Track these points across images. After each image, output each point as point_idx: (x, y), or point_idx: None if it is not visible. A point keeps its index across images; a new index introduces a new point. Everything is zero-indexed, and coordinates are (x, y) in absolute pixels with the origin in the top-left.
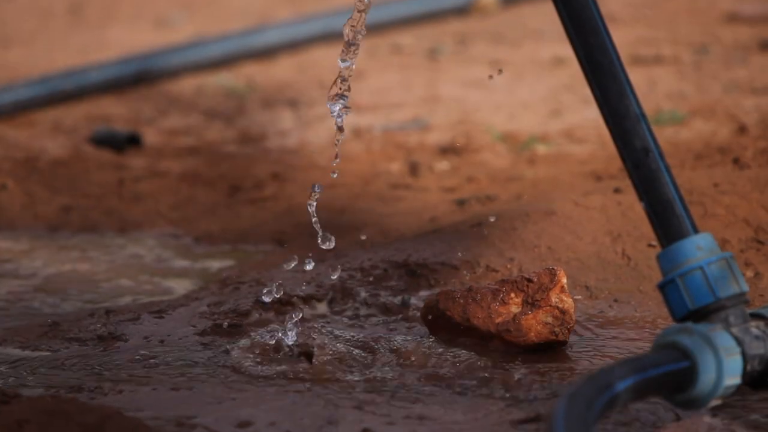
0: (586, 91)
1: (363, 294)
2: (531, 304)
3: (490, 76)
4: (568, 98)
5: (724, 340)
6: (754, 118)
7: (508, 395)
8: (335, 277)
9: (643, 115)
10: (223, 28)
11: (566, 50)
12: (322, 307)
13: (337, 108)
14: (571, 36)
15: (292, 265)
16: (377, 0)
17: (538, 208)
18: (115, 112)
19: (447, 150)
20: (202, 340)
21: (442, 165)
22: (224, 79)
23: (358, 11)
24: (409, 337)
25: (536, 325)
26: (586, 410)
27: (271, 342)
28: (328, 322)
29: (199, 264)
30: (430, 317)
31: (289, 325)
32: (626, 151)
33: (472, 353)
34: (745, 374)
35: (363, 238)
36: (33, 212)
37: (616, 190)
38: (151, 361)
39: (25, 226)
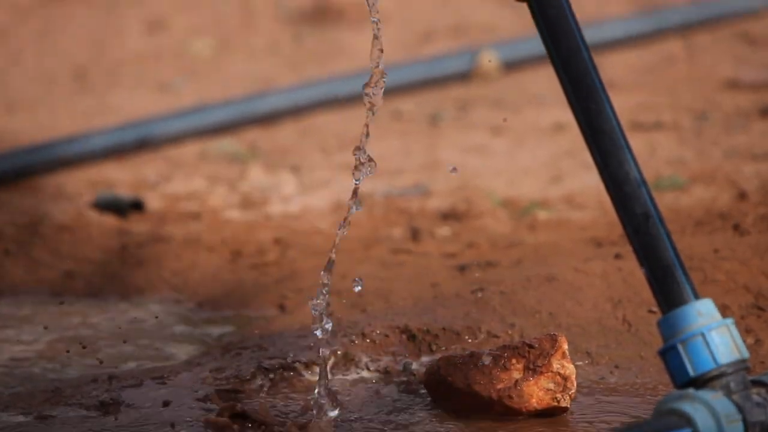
0: (587, 157)
1: (364, 359)
2: (532, 370)
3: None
4: (568, 164)
5: (725, 407)
6: (755, 184)
7: None
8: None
9: (644, 181)
10: (225, 93)
11: (567, 116)
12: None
13: (361, 177)
14: (572, 101)
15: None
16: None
17: (538, 273)
18: (119, 177)
19: (448, 216)
20: (204, 405)
21: (443, 231)
22: (227, 144)
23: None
24: (410, 403)
25: (538, 391)
26: None
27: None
28: (328, 388)
29: (201, 329)
30: (431, 382)
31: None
32: (627, 217)
33: (474, 420)
34: None
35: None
36: (35, 277)
37: (617, 256)
38: (153, 427)
39: (27, 291)
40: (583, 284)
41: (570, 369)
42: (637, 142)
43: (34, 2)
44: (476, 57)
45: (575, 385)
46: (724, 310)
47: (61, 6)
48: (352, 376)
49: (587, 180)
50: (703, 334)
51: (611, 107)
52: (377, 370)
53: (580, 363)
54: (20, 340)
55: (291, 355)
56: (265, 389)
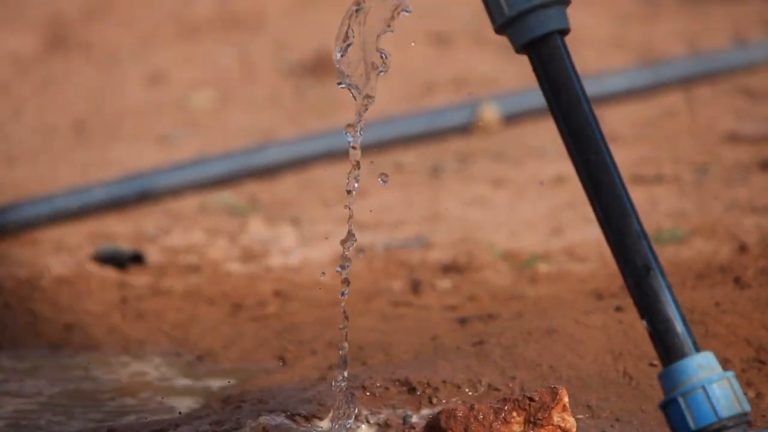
0: (588, 210)
1: (364, 412)
2: (533, 423)
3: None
4: (569, 217)
5: None
6: (755, 237)
7: None
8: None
9: (644, 233)
10: (226, 146)
11: (567, 168)
12: (324, 425)
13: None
14: (573, 154)
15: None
16: (379, 118)
17: (539, 326)
18: (119, 230)
19: (449, 268)
20: None
21: (444, 283)
22: (227, 197)
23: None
24: None
25: None
26: None
27: None
28: None
29: (201, 382)
30: None
31: None
32: (627, 269)
33: None
34: None
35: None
36: (36, 331)
37: (618, 309)
38: None
39: (28, 344)
40: (583, 337)
41: (571, 422)
42: (637, 195)
43: (35, 56)
44: (477, 110)
45: None
46: (725, 364)
47: (62, 60)
48: (352, 429)
49: (588, 232)
50: (704, 387)
51: (612, 159)
52: (377, 423)
53: (581, 416)
54: (22, 393)
55: (291, 408)
56: None
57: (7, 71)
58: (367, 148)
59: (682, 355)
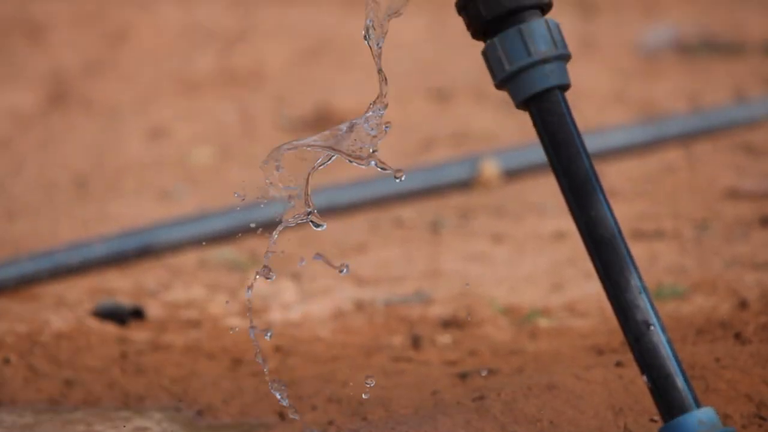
0: (588, 265)
1: None
2: None
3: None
4: (569, 272)
5: None
6: (756, 293)
7: None
8: None
9: (645, 289)
10: (226, 201)
11: (568, 224)
12: None
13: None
14: (573, 209)
15: None
16: (379, 174)
17: (539, 381)
18: (119, 285)
19: (449, 323)
20: None
21: (444, 338)
22: (227, 252)
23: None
24: None
25: None
26: None
27: None
28: None
29: None
30: None
31: None
32: (627, 325)
33: None
34: None
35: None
36: (36, 386)
37: (618, 364)
38: None
39: (27, 400)
40: (584, 392)
41: None
42: (638, 251)
43: (35, 112)
44: (477, 165)
45: None
46: (726, 419)
47: (63, 115)
48: None
49: (588, 288)
50: None
51: (612, 215)
52: None
53: None
54: None
55: None
56: None
57: (8, 127)
58: (367, 204)
59: (682, 410)
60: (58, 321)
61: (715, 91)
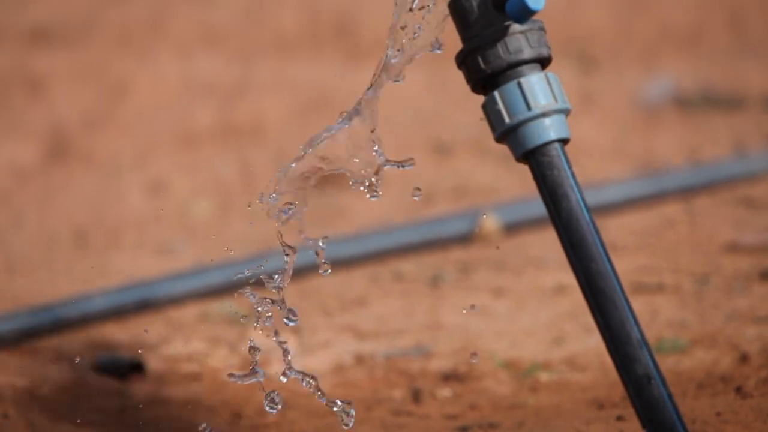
0: (588, 319)
1: None
2: None
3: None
4: (570, 326)
5: None
6: (756, 347)
7: None
8: None
9: (645, 342)
10: (226, 255)
11: (568, 278)
12: None
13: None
14: (573, 262)
15: None
16: (379, 227)
17: None
18: (119, 339)
19: (449, 377)
20: None
21: (445, 392)
22: (227, 305)
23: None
24: None
25: None
26: None
27: None
28: None
29: None
30: None
31: None
32: (628, 378)
33: None
34: None
35: None
36: None
37: (619, 418)
38: None
39: None
40: None
41: None
42: (638, 305)
43: (35, 166)
44: (477, 219)
45: None
46: None
47: (63, 169)
48: None
49: (589, 342)
50: None
51: (613, 268)
52: None
53: None
54: None
55: None
56: None
57: (8, 180)
58: (368, 258)
59: None
60: (58, 375)
61: (715, 145)
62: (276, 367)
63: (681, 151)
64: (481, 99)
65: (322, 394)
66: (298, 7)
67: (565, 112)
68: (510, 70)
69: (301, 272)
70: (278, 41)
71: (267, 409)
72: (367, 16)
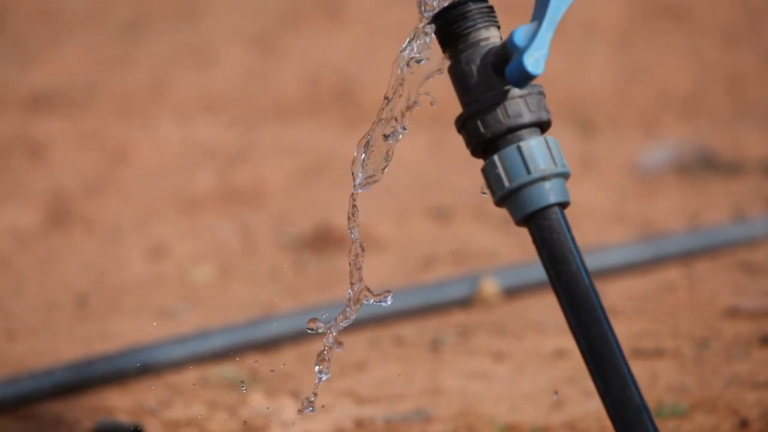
0: (588, 384)
1: None
2: None
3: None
4: (570, 390)
5: None
6: (756, 412)
7: None
8: None
9: (646, 407)
10: (226, 319)
11: (568, 342)
12: None
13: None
14: (573, 326)
15: None
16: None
17: None
18: (119, 403)
19: None
20: None
21: None
22: (227, 370)
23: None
24: None
25: None
26: None
27: None
28: None
29: None
30: None
31: None
32: None
33: None
34: None
35: None
36: None
37: None
38: None
39: None
40: None
41: None
42: (638, 369)
43: (36, 230)
44: (477, 283)
45: None
46: None
47: (63, 234)
48: None
49: (589, 406)
50: None
51: (613, 332)
52: None
53: None
54: None
55: None
56: None
57: (9, 245)
58: (367, 323)
59: None
60: None
61: (715, 210)
62: (276, 431)
63: (681, 216)
64: (480, 163)
65: None
66: (298, 73)
67: (565, 176)
68: (510, 134)
69: (301, 337)
70: (278, 106)
71: None
72: (367, 81)
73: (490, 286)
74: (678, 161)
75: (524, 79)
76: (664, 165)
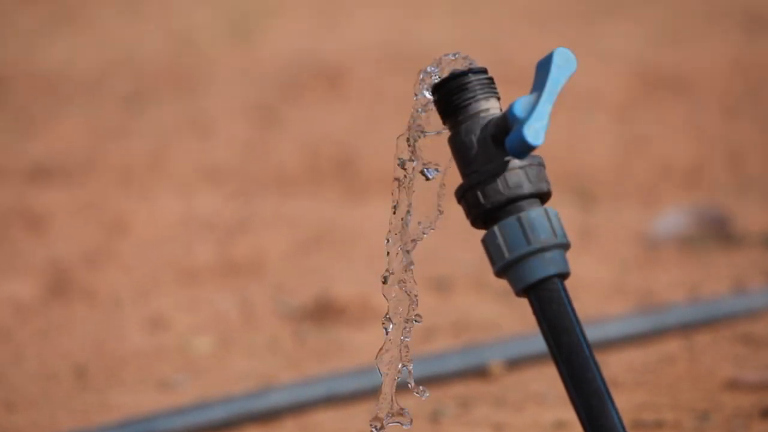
0: None
1: None
2: None
3: None
4: None
5: None
6: None
7: None
8: None
9: None
10: (226, 390)
11: (568, 414)
12: None
13: None
14: (574, 398)
15: None
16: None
17: None
18: None
19: None
20: None
21: None
22: None
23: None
24: None
25: None
26: None
27: None
28: None
29: None
30: None
31: None
32: None
33: None
34: None
35: None
36: None
37: None
38: None
39: None
40: None
41: None
42: None
43: (35, 302)
44: (477, 355)
45: None
46: None
47: (63, 305)
48: None
49: None
50: None
51: (613, 404)
52: None
53: None
54: None
55: None
56: None
57: (8, 317)
58: (366, 396)
59: None
60: None
61: (715, 282)
62: None
63: (681, 288)
64: (480, 234)
65: None
66: (298, 144)
67: (565, 246)
68: (510, 205)
69: (301, 408)
70: (279, 177)
71: None
72: (367, 152)
73: (491, 358)
74: (678, 232)
75: (524, 150)
76: (664, 236)
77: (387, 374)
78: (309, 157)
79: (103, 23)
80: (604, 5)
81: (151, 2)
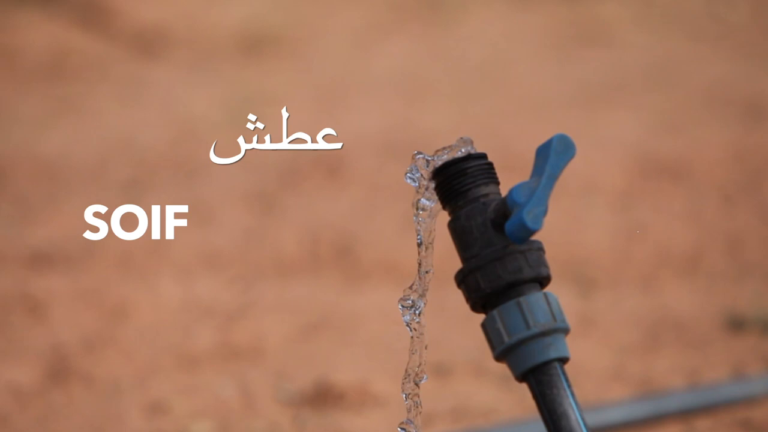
0: None
1: None
2: None
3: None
4: None
5: None
6: None
7: None
8: None
9: None
10: None
11: None
12: None
13: None
14: None
15: None
16: None
17: None
18: None
19: None
20: None
21: None
22: None
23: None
24: None
25: None
26: None
27: None
28: None
29: None
30: None
31: None
32: None
33: None
34: None
35: None
36: None
37: None
38: None
39: None
40: None
41: None
42: None
43: (35, 387)
44: None
45: None
46: None
47: (62, 391)
48: None
49: None
50: None
51: None
52: None
53: None
54: None
55: None
56: None
57: (8, 403)
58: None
59: None
60: None
61: (715, 369)
62: None
63: (680, 374)
64: (479, 318)
65: None
66: (298, 230)
67: (565, 331)
68: (509, 290)
69: None
70: (278, 263)
71: None
72: (367, 238)
73: None
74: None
75: (524, 234)
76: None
77: None
78: (309, 244)
79: (103, 112)
80: (604, 93)
81: (152, 91)
